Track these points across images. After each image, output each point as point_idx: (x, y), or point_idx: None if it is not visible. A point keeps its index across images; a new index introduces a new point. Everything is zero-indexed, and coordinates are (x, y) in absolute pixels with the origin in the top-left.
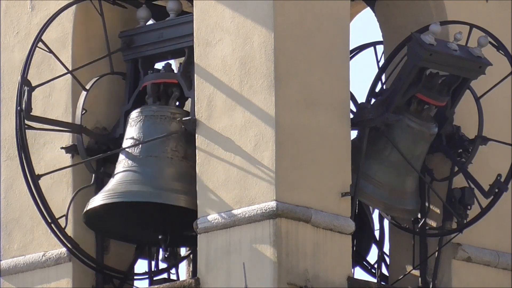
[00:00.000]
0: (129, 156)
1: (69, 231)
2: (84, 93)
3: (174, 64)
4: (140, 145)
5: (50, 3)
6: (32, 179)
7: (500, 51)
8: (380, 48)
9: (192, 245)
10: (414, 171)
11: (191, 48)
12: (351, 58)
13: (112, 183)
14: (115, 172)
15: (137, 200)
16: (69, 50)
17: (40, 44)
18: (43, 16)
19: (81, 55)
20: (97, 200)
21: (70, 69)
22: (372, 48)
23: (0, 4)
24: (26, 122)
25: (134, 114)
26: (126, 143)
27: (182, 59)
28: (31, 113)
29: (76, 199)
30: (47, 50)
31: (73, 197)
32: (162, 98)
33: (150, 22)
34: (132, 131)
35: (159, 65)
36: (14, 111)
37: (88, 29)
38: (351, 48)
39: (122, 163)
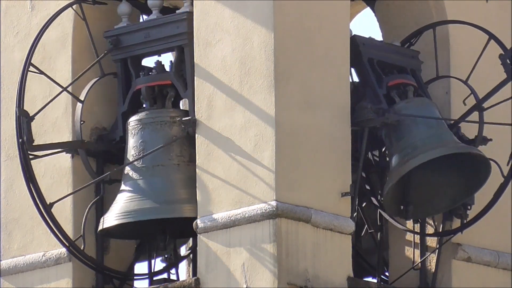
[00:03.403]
0: (134, 168)
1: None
2: (80, 105)
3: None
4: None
5: (50, 3)
6: (44, 208)
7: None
8: None
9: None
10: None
11: (180, 48)
12: None
13: (122, 200)
14: (123, 185)
15: (150, 218)
16: (69, 50)
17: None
18: (43, 16)
19: (81, 55)
20: (111, 220)
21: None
22: None
23: (0, 4)
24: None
25: (133, 122)
26: (129, 154)
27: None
28: (33, 144)
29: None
30: (38, 72)
31: (86, 216)
32: (158, 100)
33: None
34: (134, 141)
35: (149, 60)
36: (14, 112)
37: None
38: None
39: (129, 176)
